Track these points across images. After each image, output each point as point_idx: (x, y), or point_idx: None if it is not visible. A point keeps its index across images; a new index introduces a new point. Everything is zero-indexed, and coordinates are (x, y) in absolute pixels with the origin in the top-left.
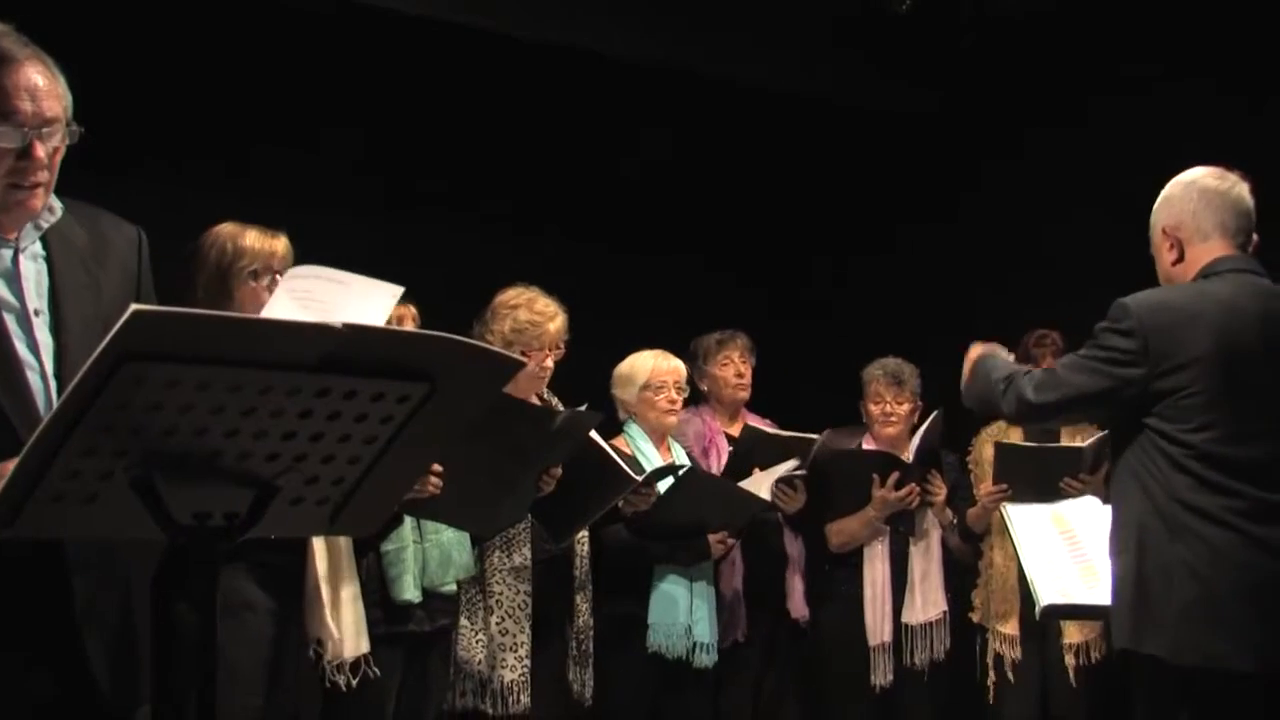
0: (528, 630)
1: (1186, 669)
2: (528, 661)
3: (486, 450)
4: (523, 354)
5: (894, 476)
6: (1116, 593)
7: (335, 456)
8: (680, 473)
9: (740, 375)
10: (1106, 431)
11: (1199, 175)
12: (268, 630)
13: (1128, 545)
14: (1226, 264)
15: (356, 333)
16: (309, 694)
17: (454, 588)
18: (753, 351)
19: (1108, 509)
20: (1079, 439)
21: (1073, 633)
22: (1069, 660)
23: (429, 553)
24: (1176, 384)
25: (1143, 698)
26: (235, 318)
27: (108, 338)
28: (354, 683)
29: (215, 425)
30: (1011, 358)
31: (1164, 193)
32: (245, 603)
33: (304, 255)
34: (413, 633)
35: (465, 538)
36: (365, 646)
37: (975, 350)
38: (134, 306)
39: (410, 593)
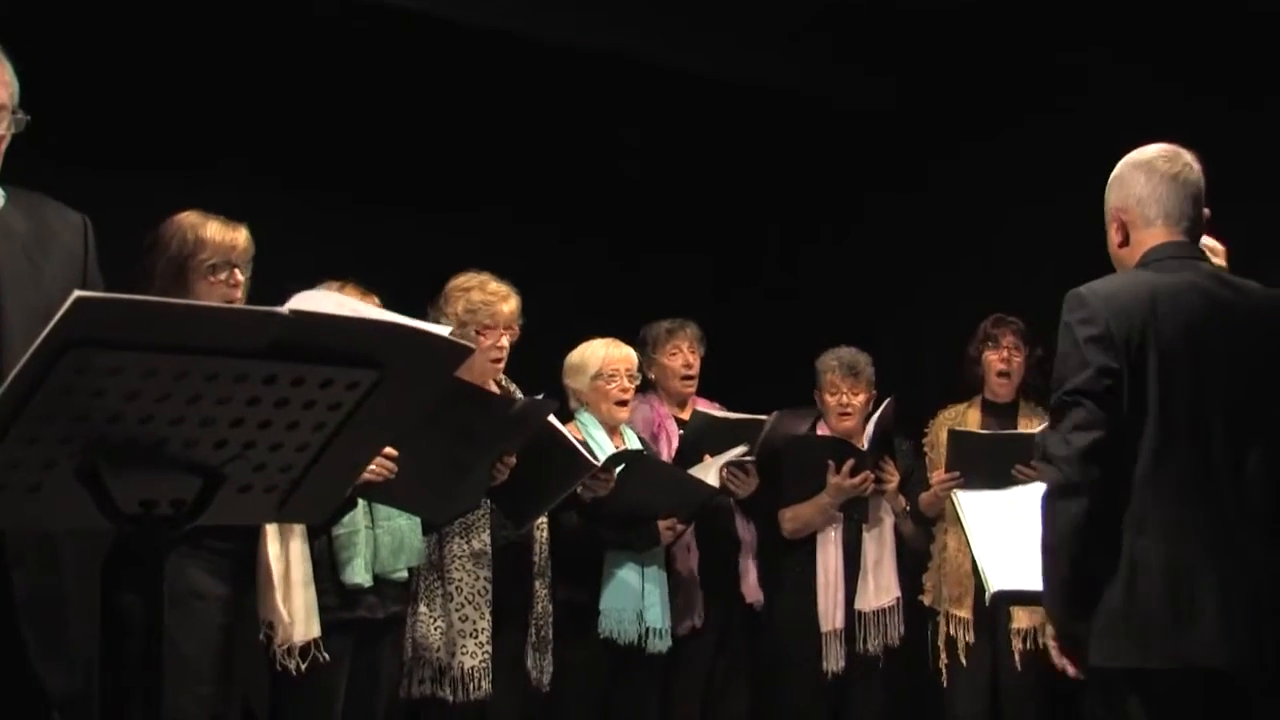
0: (488, 617)
1: (1150, 670)
2: (488, 648)
3: (443, 436)
4: (476, 334)
5: (849, 463)
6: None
7: (283, 444)
8: (630, 458)
9: (688, 366)
10: None
11: (1149, 156)
12: (218, 619)
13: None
14: (1169, 251)
15: (302, 319)
16: (259, 680)
17: (405, 575)
18: (702, 341)
19: None
20: (1035, 425)
21: (1021, 618)
22: (1016, 645)
23: (381, 538)
24: (1135, 370)
25: (1097, 702)
26: (179, 304)
27: (50, 324)
28: (303, 667)
29: (161, 412)
30: None
31: (1115, 171)
32: (194, 591)
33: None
34: (364, 619)
35: (417, 524)
36: (316, 631)
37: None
38: (77, 293)
39: (360, 576)
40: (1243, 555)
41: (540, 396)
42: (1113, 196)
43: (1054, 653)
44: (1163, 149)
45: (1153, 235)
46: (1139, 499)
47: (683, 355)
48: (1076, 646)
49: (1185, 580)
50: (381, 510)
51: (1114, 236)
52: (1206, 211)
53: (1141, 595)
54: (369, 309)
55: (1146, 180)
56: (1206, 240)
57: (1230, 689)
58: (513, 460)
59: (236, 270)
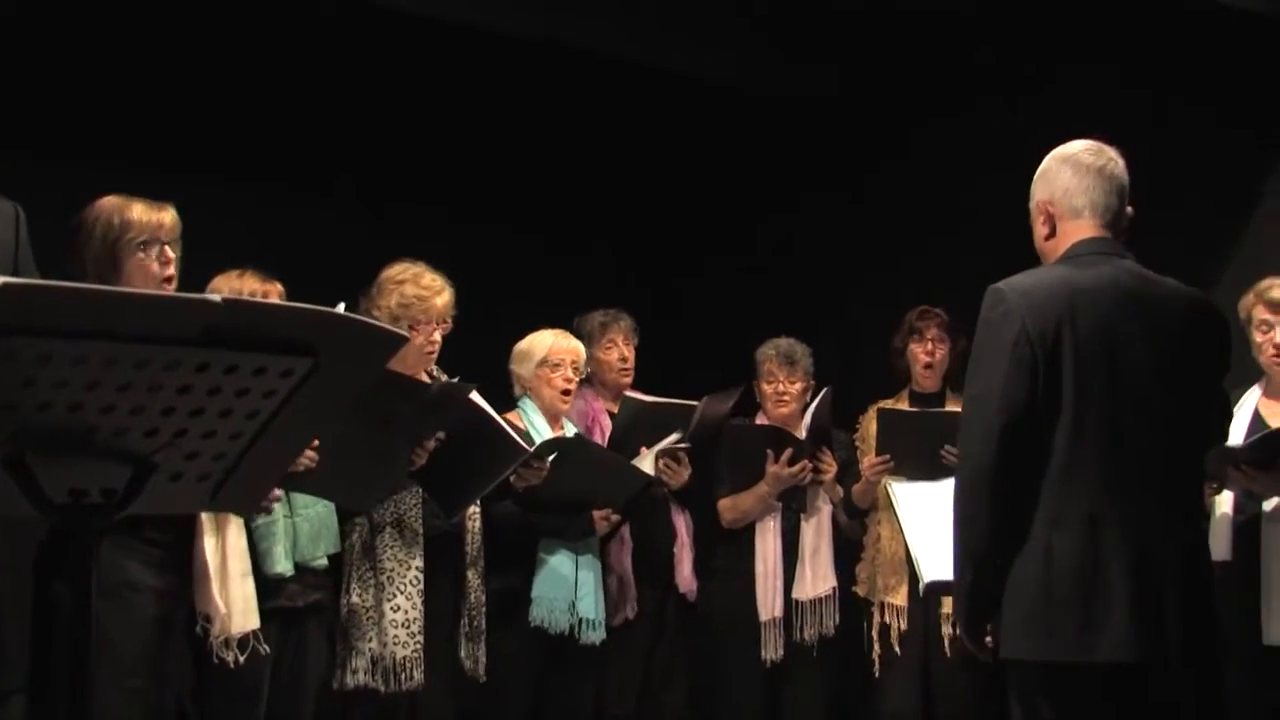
0: (420, 606)
1: (1059, 665)
2: (420, 638)
3: (361, 423)
4: (409, 329)
5: (787, 453)
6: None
7: (216, 432)
8: (564, 444)
9: (624, 360)
10: None
11: (1075, 150)
12: (151, 610)
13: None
14: (1093, 246)
15: (235, 306)
16: (185, 670)
17: (325, 562)
18: (636, 333)
19: None
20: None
21: (949, 603)
22: (945, 631)
23: (300, 526)
24: (1051, 365)
25: (1017, 698)
26: (109, 291)
27: None
28: (242, 659)
29: (90, 401)
30: None
31: (1042, 166)
32: (127, 582)
33: (188, 229)
34: (285, 608)
35: (334, 511)
36: (254, 622)
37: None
38: (1, 280)
39: (282, 565)
40: (1155, 550)
41: (457, 380)
42: (1039, 190)
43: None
44: (1088, 144)
45: (1079, 228)
46: (1053, 493)
47: (618, 349)
48: (978, 637)
49: (1097, 575)
50: (299, 498)
51: (1040, 229)
52: (1130, 209)
53: (1054, 590)
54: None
55: (1073, 173)
56: None
57: (1138, 682)
58: (432, 444)
59: (166, 248)
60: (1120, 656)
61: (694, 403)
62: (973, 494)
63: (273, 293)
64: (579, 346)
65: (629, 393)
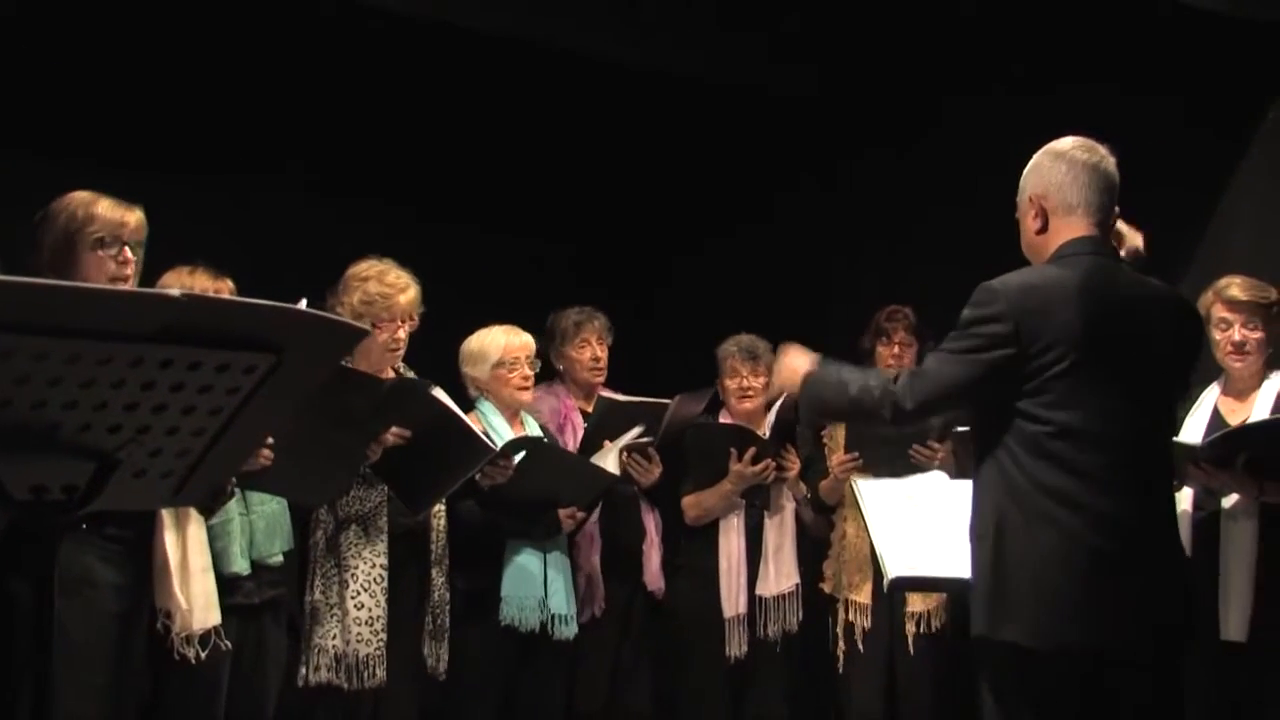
0: (383, 604)
1: (1041, 654)
2: (383, 636)
3: (317, 420)
4: (373, 326)
5: (750, 451)
6: (975, 581)
7: (179, 428)
8: (532, 446)
9: (597, 359)
10: None
11: (1069, 146)
12: (111, 607)
13: (986, 532)
14: (1085, 246)
15: (194, 302)
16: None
17: (280, 559)
18: (610, 331)
19: (955, 483)
20: None
21: (915, 602)
22: (909, 628)
23: (255, 524)
24: (1042, 364)
25: (993, 683)
26: (69, 286)
27: None
28: (203, 655)
29: (53, 397)
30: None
31: (1033, 160)
32: (88, 579)
33: (156, 226)
34: (241, 605)
35: (288, 508)
36: (216, 619)
37: (793, 361)
38: None
39: (238, 564)
40: (1137, 543)
41: (413, 376)
42: (1030, 183)
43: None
44: (1080, 140)
45: (1071, 224)
46: (1037, 484)
47: (591, 348)
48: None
49: (1079, 566)
50: (254, 496)
51: (1031, 224)
52: (1117, 210)
53: (1034, 576)
54: None
55: (1068, 168)
56: (1124, 227)
57: (1110, 671)
58: (389, 439)
59: (127, 249)
60: (1094, 646)
61: (666, 401)
62: (870, 406)
63: (224, 289)
64: (529, 340)
65: (603, 392)
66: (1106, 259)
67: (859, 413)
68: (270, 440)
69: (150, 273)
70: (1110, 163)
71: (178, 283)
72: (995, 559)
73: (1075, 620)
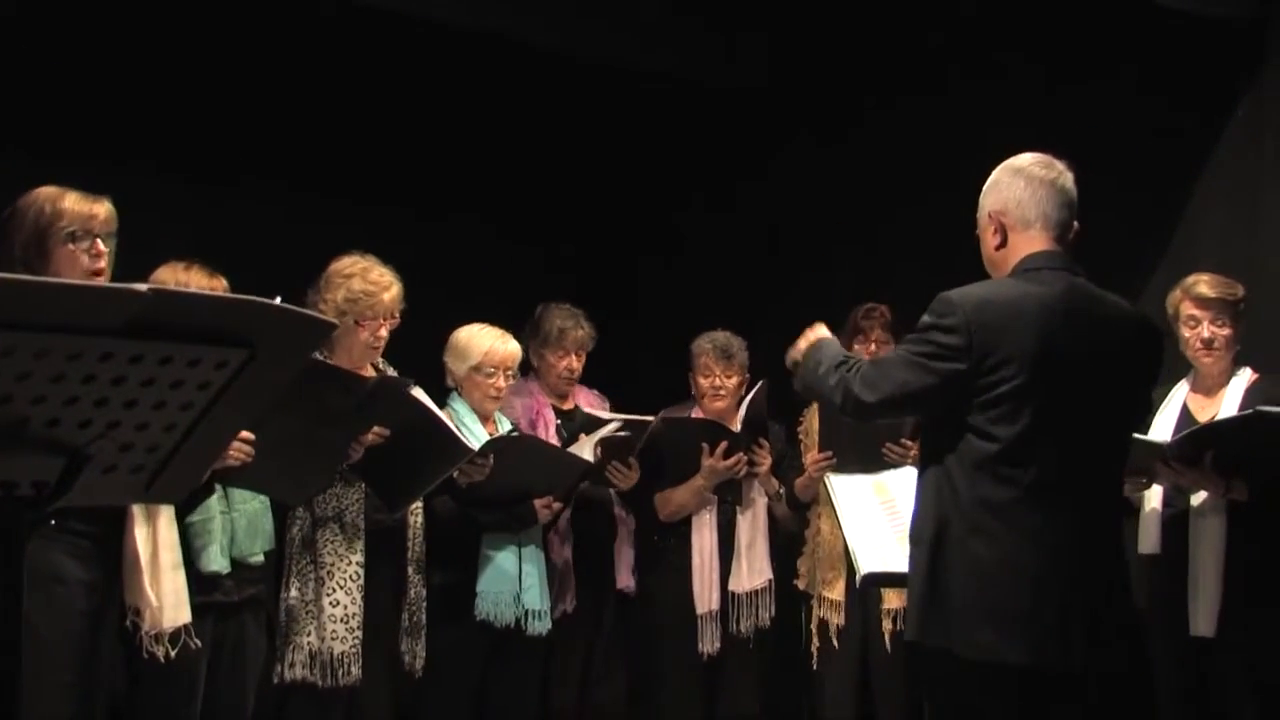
0: (359, 601)
1: (973, 664)
2: (359, 633)
3: (298, 417)
4: (356, 324)
5: (722, 446)
6: (910, 585)
7: (150, 423)
8: (508, 441)
9: (571, 370)
10: None
11: (1026, 163)
12: (79, 603)
13: (924, 538)
14: (1046, 260)
15: (162, 297)
16: (118, 666)
17: (260, 557)
18: (593, 341)
19: None
20: None
21: (891, 599)
22: (885, 625)
23: (236, 522)
24: (995, 381)
25: (929, 690)
26: (35, 281)
27: None
28: (173, 653)
29: (22, 392)
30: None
31: (992, 177)
32: (55, 576)
33: (139, 224)
34: (220, 603)
35: (269, 507)
36: (186, 616)
37: (813, 333)
38: None
39: (218, 563)
40: (1078, 566)
41: (395, 375)
42: (989, 200)
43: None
44: (1038, 156)
45: (1030, 239)
46: (985, 505)
47: (569, 359)
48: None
49: (1020, 580)
50: (235, 494)
51: (991, 240)
52: (1075, 225)
53: (974, 592)
54: None
55: (1026, 184)
56: None
57: (1052, 688)
58: (369, 438)
59: (98, 241)
60: (1027, 661)
61: (649, 418)
62: (827, 390)
63: (219, 287)
64: (515, 350)
65: (581, 396)
66: (1067, 274)
67: (820, 392)
68: (252, 437)
69: (144, 269)
70: (1068, 178)
71: (172, 279)
72: (931, 566)
73: (1009, 634)
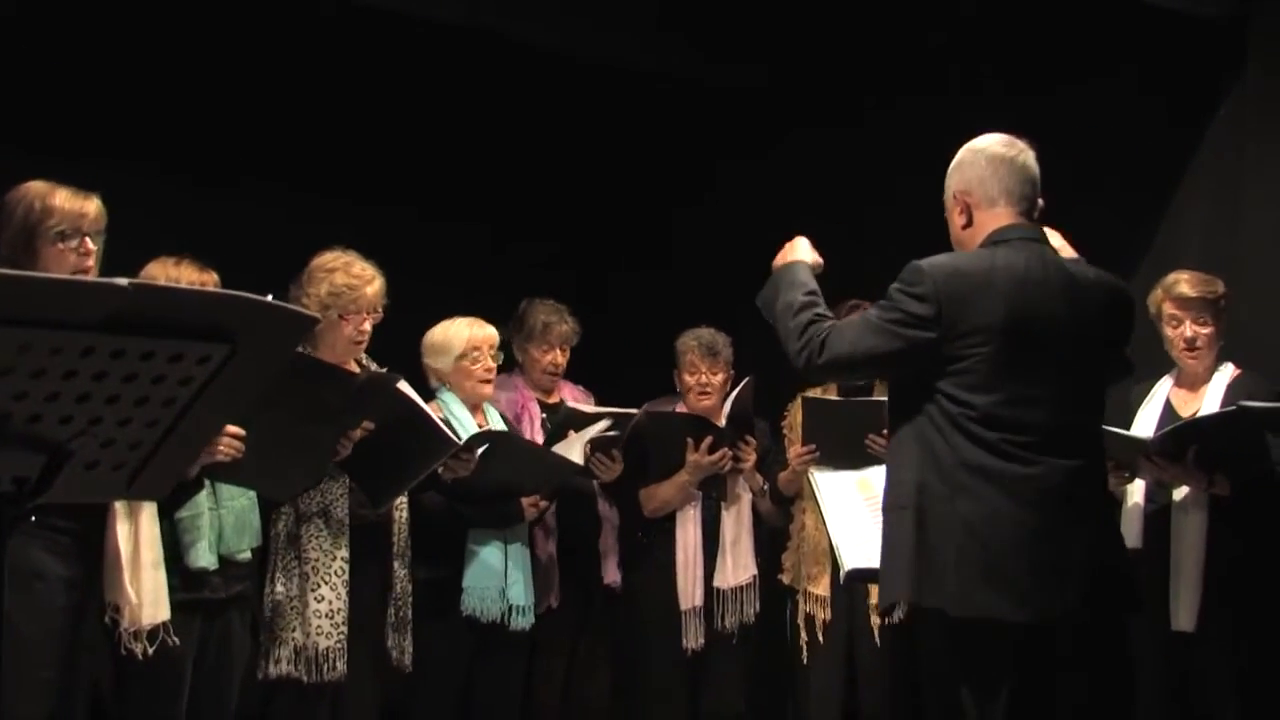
0: (344, 596)
1: (965, 620)
2: (344, 628)
3: (288, 413)
4: (339, 318)
5: (707, 441)
6: (891, 547)
7: (132, 419)
8: (494, 437)
9: (556, 365)
10: None
11: (988, 142)
12: (60, 600)
13: (906, 502)
14: (1014, 232)
15: (142, 291)
16: (103, 661)
17: (249, 554)
18: (576, 335)
19: None
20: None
21: (878, 595)
22: (874, 620)
23: (225, 519)
24: (965, 348)
25: (927, 652)
26: (15, 275)
27: None
28: (151, 651)
29: (3, 387)
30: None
31: (956, 158)
32: (35, 572)
33: (115, 223)
34: (208, 599)
35: (257, 504)
36: (165, 614)
37: (791, 250)
38: None
39: (206, 559)
40: (1065, 518)
41: (385, 370)
42: (954, 181)
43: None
44: (1000, 136)
45: (995, 216)
46: (966, 466)
47: (554, 354)
48: None
49: (1005, 539)
50: (224, 490)
51: (957, 220)
52: (1041, 202)
53: (962, 550)
54: None
55: (987, 163)
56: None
57: (1047, 641)
58: (358, 434)
59: (87, 239)
60: (1020, 615)
61: (632, 411)
62: (785, 335)
63: (209, 283)
64: (493, 332)
65: (566, 391)
66: (1034, 244)
67: (780, 332)
68: (242, 433)
69: (134, 264)
70: (1029, 156)
71: (163, 274)
72: (918, 528)
73: (1000, 590)
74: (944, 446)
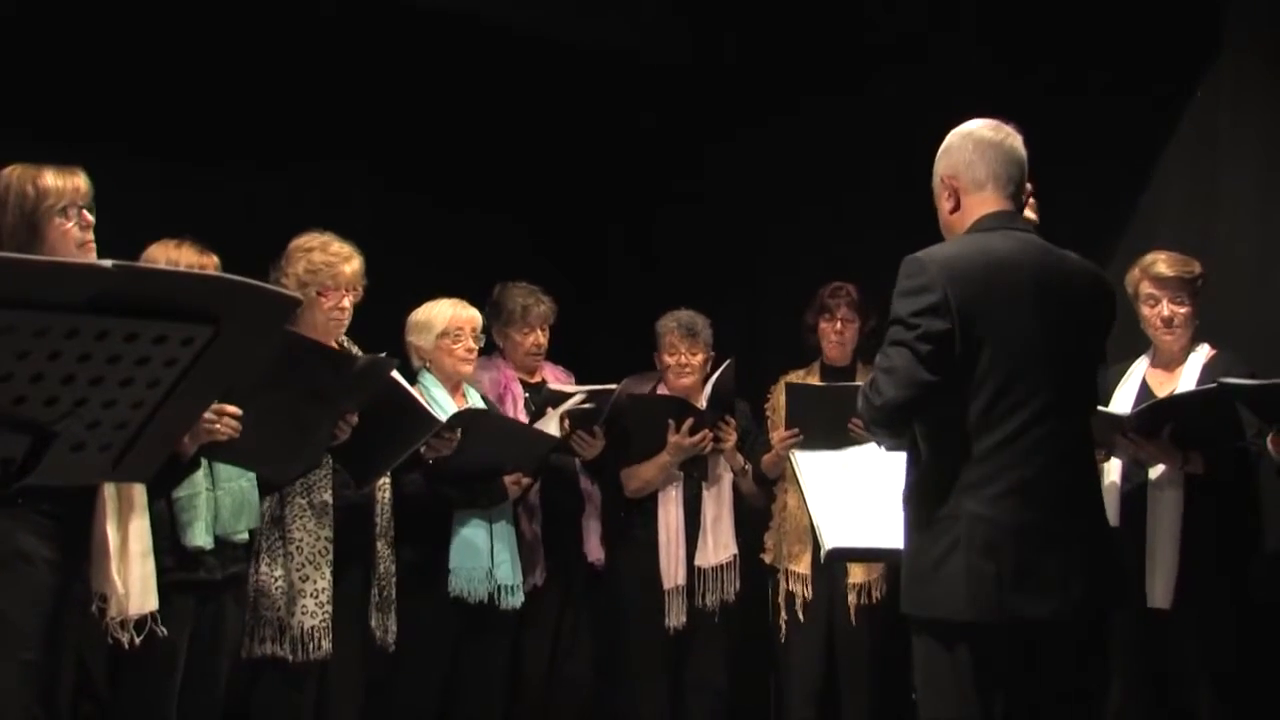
0: (328, 575)
1: (965, 625)
2: (328, 607)
3: (287, 394)
4: (317, 295)
5: (688, 422)
6: (906, 559)
7: (117, 401)
8: (471, 416)
9: (538, 345)
10: None
11: (975, 127)
12: (45, 582)
13: (910, 512)
14: (1000, 220)
15: (126, 273)
16: (97, 641)
17: (245, 536)
18: (554, 314)
19: (891, 455)
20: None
21: (856, 573)
22: (851, 599)
23: (222, 500)
24: (969, 337)
25: (922, 653)
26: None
27: None
28: (138, 641)
29: None
30: None
31: (944, 143)
32: (21, 553)
33: (119, 207)
34: (203, 580)
35: (256, 486)
36: (153, 604)
37: None
38: None
39: (201, 539)
40: (1066, 511)
41: (383, 355)
42: (942, 165)
43: None
44: (987, 121)
45: (982, 200)
46: (971, 459)
47: (535, 335)
48: None
49: (1013, 537)
50: (222, 471)
51: (945, 204)
52: (1029, 186)
53: (974, 552)
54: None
55: (975, 147)
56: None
57: (1052, 637)
58: (354, 419)
59: (84, 211)
60: (1035, 614)
61: (612, 387)
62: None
63: (209, 265)
64: (476, 315)
65: (549, 372)
66: (1020, 232)
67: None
68: (239, 412)
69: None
70: (1016, 140)
71: (163, 256)
72: (919, 537)
73: (998, 593)
74: (946, 449)
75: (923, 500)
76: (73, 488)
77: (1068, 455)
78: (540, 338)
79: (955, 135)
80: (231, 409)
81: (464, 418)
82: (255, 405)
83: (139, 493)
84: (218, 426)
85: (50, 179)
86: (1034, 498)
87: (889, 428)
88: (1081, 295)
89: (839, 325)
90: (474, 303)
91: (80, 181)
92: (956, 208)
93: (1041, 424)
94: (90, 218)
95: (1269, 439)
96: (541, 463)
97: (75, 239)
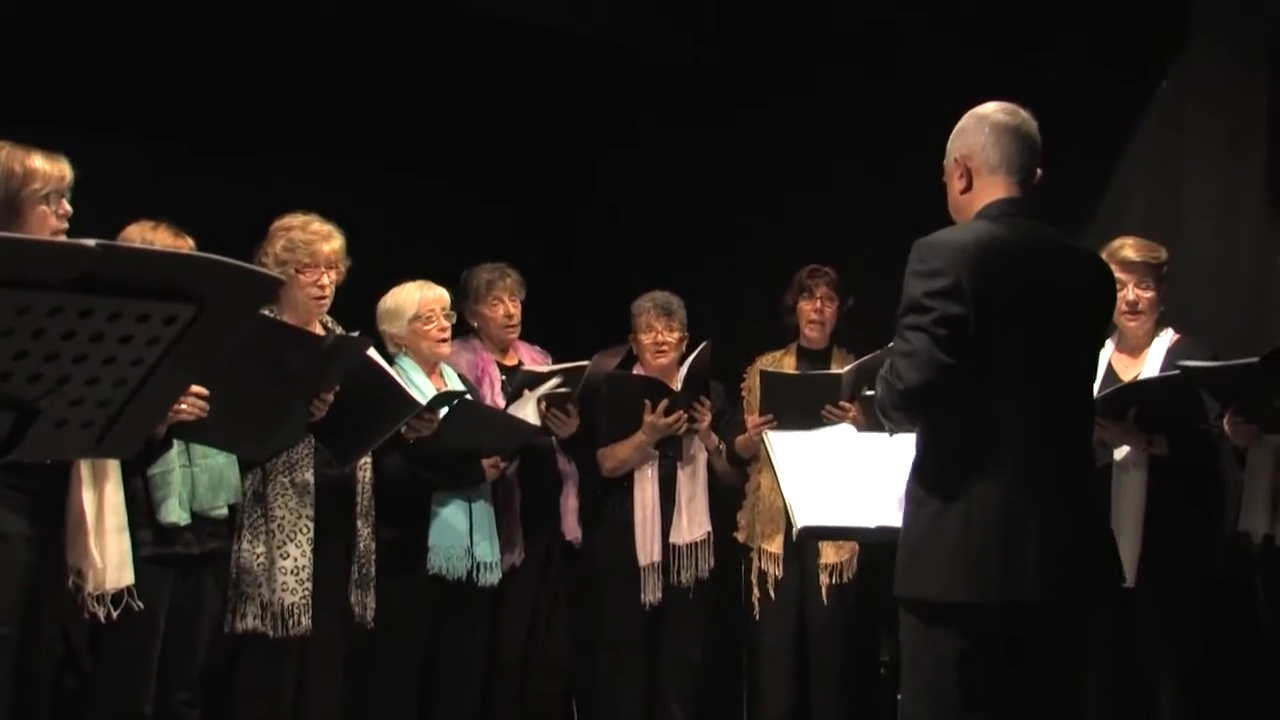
0: (309, 553)
1: (954, 605)
2: (309, 584)
3: (256, 374)
4: (296, 273)
5: (663, 403)
6: (902, 541)
7: (100, 378)
8: (454, 402)
9: (510, 316)
10: (865, 358)
11: (992, 110)
12: (21, 557)
13: (915, 495)
14: (1010, 207)
15: (110, 252)
16: (78, 617)
17: (225, 511)
18: (523, 286)
19: (863, 436)
20: (845, 367)
21: (829, 554)
22: (823, 579)
23: (199, 476)
24: (979, 322)
25: (910, 635)
26: None
27: None
28: (115, 614)
29: None
30: None
31: (959, 124)
32: None
33: (97, 190)
34: (181, 554)
35: (235, 461)
36: (129, 578)
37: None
38: None
39: (176, 515)
40: (1068, 496)
41: (357, 333)
42: (956, 146)
43: None
44: (1004, 105)
45: (995, 183)
46: (978, 442)
47: (504, 305)
48: None
49: (1016, 521)
50: (199, 449)
51: (956, 184)
52: (1039, 172)
53: (976, 535)
54: None
55: (991, 130)
56: None
57: (1045, 620)
58: (330, 397)
59: (64, 201)
60: (1030, 597)
61: (584, 363)
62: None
63: (184, 247)
64: (443, 293)
65: (523, 352)
66: (1028, 220)
67: (879, 408)
68: (205, 392)
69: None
70: (1031, 125)
71: (140, 237)
72: (916, 521)
73: (987, 576)
74: (953, 425)
75: (925, 481)
76: (48, 464)
77: (1071, 441)
78: (510, 308)
79: (971, 117)
80: (197, 389)
81: (447, 401)
82: (222, 385)
83: (114, 468)
84: (183, 407)
85: (39, 162)
86: (1037, 482)
87: (909, 412)
88: (1086, 283)
89: (818, 304)
90: (452, 284)
91: (65, 169)
92: (968, 188)
93: (1046, 409)
94: (68, 208)
95: (1224, 420)
96: (519, 448)
97: (52, 228)
